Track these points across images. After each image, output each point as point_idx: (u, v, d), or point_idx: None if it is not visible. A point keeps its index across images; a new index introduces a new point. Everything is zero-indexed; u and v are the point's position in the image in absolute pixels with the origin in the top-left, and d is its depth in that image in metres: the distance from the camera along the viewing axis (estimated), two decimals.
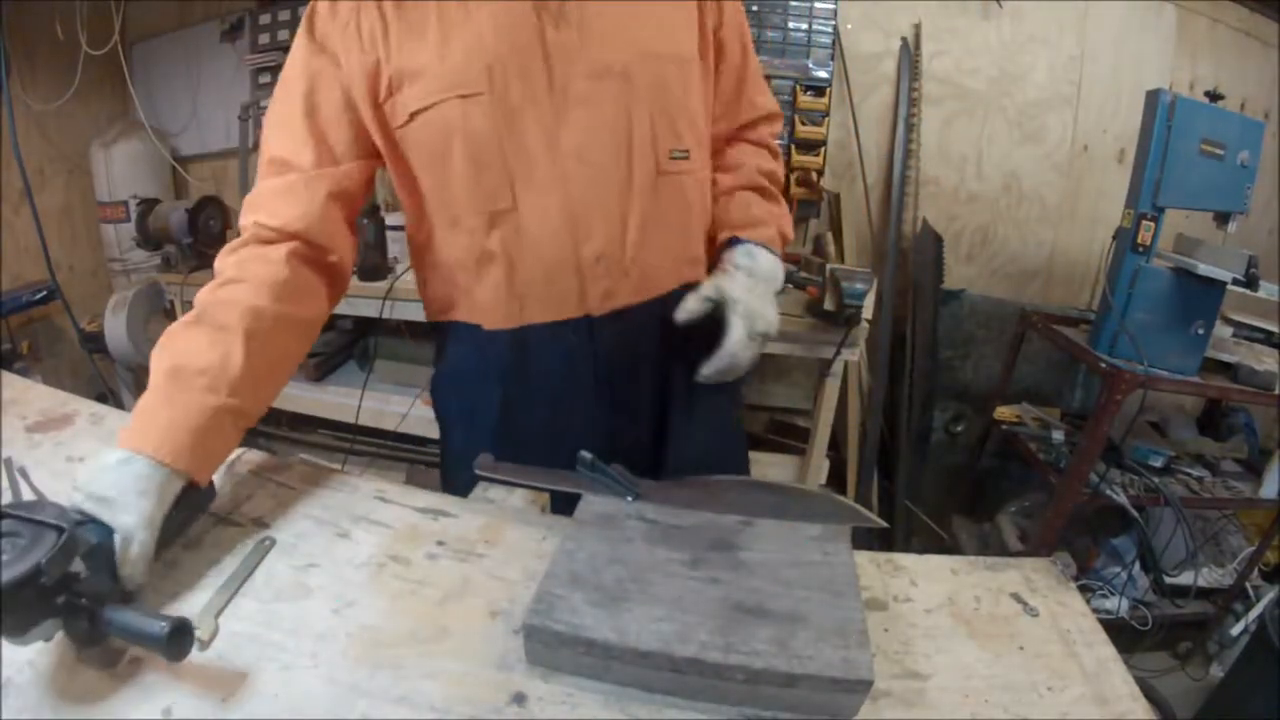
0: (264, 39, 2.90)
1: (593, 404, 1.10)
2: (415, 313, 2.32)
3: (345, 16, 0.95)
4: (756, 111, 1.19)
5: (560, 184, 0.97)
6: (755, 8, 2.42)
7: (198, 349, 0.89)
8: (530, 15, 0.93)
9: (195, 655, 0.66)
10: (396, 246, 2.56)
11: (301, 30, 0.98)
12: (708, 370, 1.04)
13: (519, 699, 0.65)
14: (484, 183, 0.98)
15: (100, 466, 0.76)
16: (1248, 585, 2.24)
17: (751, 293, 1.05)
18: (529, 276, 1.03)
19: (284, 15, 2.83)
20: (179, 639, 0.61)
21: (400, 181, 1.06)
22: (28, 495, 0.88)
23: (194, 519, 0.85)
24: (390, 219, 2.55)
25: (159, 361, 0.88)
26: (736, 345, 1.02)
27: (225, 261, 0.97)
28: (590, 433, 1.06)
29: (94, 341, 2.71)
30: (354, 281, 2.33)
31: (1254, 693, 1.71)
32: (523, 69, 0.93)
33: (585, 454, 0.88)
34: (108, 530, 0.71)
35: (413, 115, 0.95)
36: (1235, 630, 2.20)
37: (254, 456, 1.03)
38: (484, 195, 0.98)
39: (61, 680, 0.64)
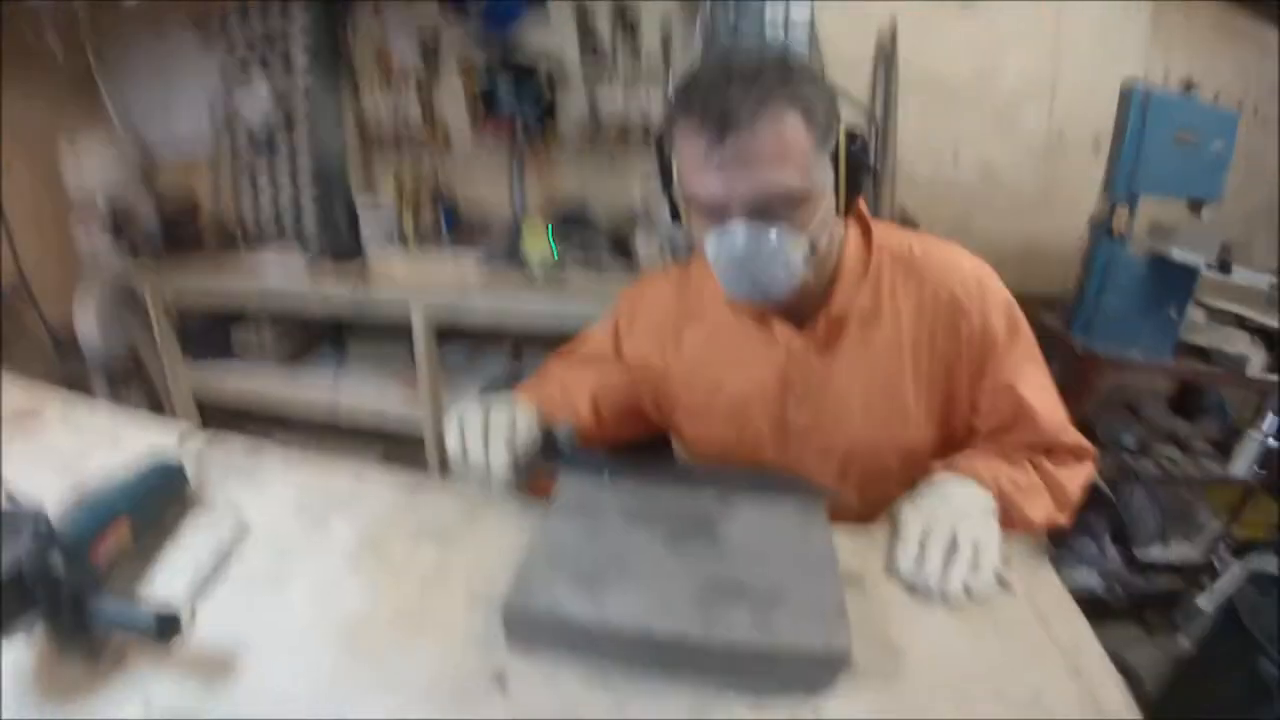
0: (236, 32, 2.84)
1: None
2: (390, 301, 2.31)
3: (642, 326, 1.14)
4: (1038, 449, 1.02)
5: None
6: (731, 4, 2.41)
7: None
8: (778, 392, 1.03)
9: (174, 645, 0.65)
10: (369, 230, 2.54)
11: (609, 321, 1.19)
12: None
13: (500, 679, 0.65)
14: None
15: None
16: (1215, 560, 2.29)
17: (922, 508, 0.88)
18: None
19: (256, 8, 2.78)
20: (168, 625, 0.61)
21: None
22: None
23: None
24: (364, 210, 2.54)
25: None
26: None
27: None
28: None
29: (63, 336, 2.67)
30: (328, 272, 2.32)
31: (1220, 662, 1.75)
32: (768, 438, 1.05)
33: (562, 433, 0.88)
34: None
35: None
36: (1203, 602, 2.24)
37: (228, 442, 1.02)
38: None
39: (40, 677, 0.63)
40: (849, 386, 1.00)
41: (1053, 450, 1.00)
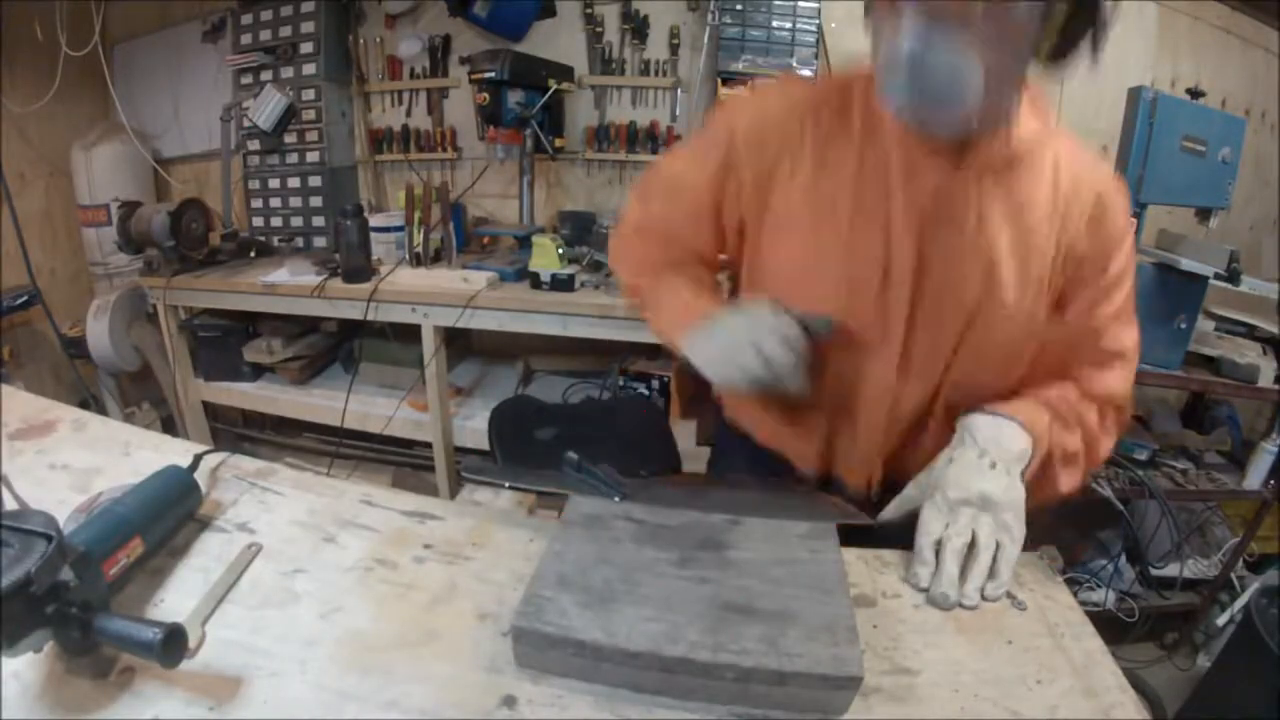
0: (246, 39, 2.87)
1: None
2: (399, 314, 2.31)
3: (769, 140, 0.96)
4: (1102, 387, 0.98)
5: (897, 386, 0.97)
6: (739, 6, 2.43)
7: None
8: (878, 269, 0.91)
9: (183, 663, 0.65)
10: (381, 248, 2.55)
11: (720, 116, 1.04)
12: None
13: (509, 702, 0.65)
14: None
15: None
16: (1233, 576, 2.27)
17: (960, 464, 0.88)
18: (828, 432, 1.04)
19: (266, 15, 2.81)
20: (173, 644, 0.60)
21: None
22: (10, 504, 0.87)
23: None
24: (374, 220, 2.54)
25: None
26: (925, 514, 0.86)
27: None
28: None
29: (76, 346, 2.68)
30: (338, 283, 2.32)
31: (1240, 682, 1.72)
32: (905, 275, 0.91)
33: (572, 455, 0.88)
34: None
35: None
36: (1221, 620, 2.22)
37: (239, 461, 1.02)
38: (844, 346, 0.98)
39: (48, 692, 0.64)
40: (996, 232, 0.89)
41: (1103, 408, 0.98)
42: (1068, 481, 0.96)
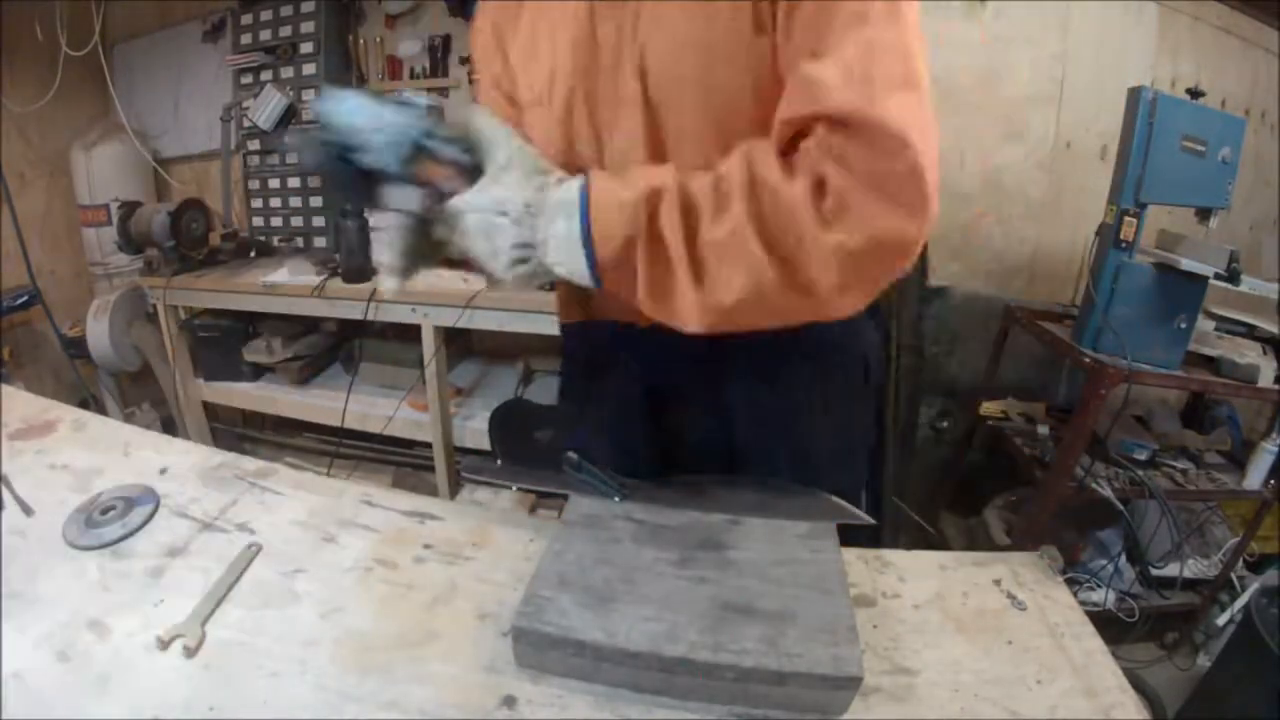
0: (245, 39, 2.87)
1: (643, 408, 0.99)
2: (399, 314, 2.31)
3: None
4: (801, 105, 0.65)
5: None
6: None
7: None
8: (586, 13, 0.81)
9: (183, 664, 0.66)
10: (377, 242, 2.55)
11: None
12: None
13: (509, 702, 0.65)
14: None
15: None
16: (1233, 576, 2.27)
17: (493, 195, 0.70)
18: None
19: (266, 15, 2.81)
20: None
21: None
22: (10, 504, 0.87)
23: None
24: (375, 220, 2.54)
25: None
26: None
27: None
28: (647, 438, 1.00)
29: (76, 347, 2.68)
30: (338, 283, 2.32)
31: (1241, 682, 1.72)
32: (579, 72, 0.83)
33: (571, 455, 0.88)
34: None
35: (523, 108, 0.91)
36: (1221, 620, 2.22)
37: (239, 461, 1.02)
38: None
39: (47, 691, 0.64)
40: None
41: (841, 154, 0.62)
42: (719, 288, 0.67)
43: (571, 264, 0.70)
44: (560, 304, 1.05)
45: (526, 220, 0.69)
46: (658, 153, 0.80)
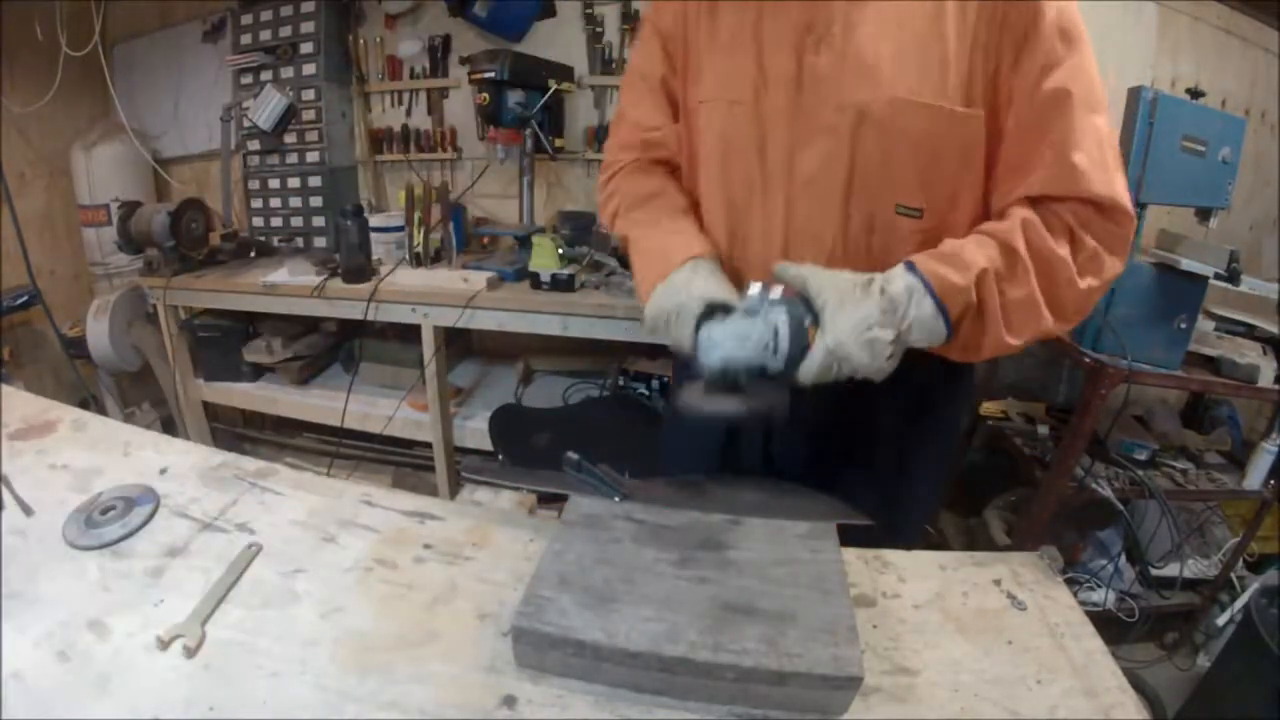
0: (246, 39, 2.87)
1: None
2: (399, 314, 2.31)
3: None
4: (1059, 187, 0.87)
5: (787, 207, 0.98)
6: None
7: (660, 210, 1.12)
8: (794, 35, 0.93)
9: (183, 664, 0.66)
10: (381, 249, 2.55)
11: (645, 20, 1.16)
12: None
13: (509, 701, 0.65)
14: (732, 181, 1.03)
15: (681, 281, 0.97)
16: (1233, 576, 2.27)
17: (851, 318, 0.84)
18: (737, 269, 1.06)
19: (266, 15, 2.81)
20: None
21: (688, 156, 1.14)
22: (10, 504, 0.87)
23: None
24: (374, 220, 2.54)
25: (639, 231, 1.11)
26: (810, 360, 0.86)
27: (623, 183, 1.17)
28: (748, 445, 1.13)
29: (76, 346, 2.68)
30: (338, 283, 2.32)
31: (1241, 682, 1.72)
32: (781, 87, 0.95)
33: (572, 455, 0.88)
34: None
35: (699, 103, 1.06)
36: (1221, 620, 2.22)
37: (239, 461, 1.02)
38: (729, 190, 1.04)
39: (47, 691, 0.64)
40: (879, 29, 0.89)
41: (1089, 222, 0.88)
42: (1020, 333, 0.89)
43: (933, 335, 0.87)
44: None
45: (890, 321, 0.84)
46: (847, 181, 0.94)
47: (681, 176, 1.16)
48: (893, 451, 1.09)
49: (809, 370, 0.85)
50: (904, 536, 1.00)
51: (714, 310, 0.91)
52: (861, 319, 0.83)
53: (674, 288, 0.96)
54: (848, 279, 0.87)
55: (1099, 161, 0.86)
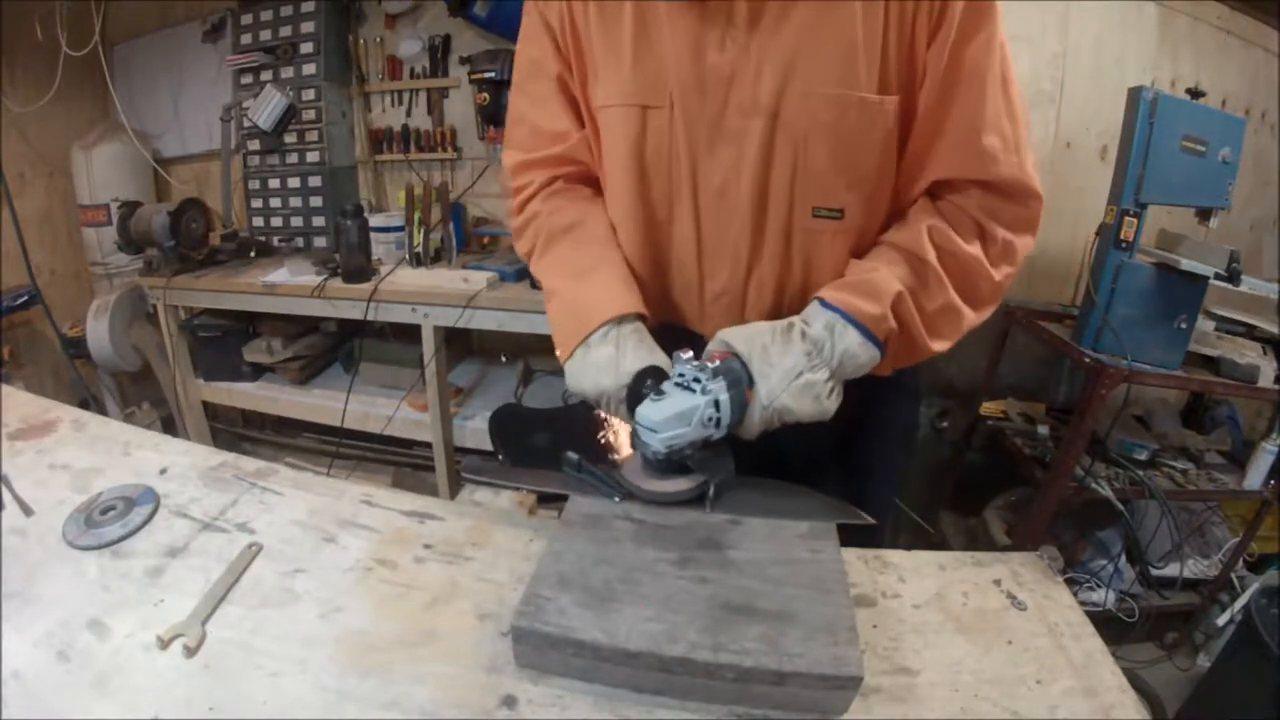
0: (246, 39, 2.87)
1: None
2: (399, 314, 2.31)
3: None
4: (966, 169, 0.86)
5: (700, 216, 0.95)
6: None
7: (578, 248, 1.00)
8: (699, 31, 0.85)
9: (183, 663, 0.66)
10: (381, 248, 2.55)
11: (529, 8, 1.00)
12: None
13: (509, 702, 0.65)
14: (649, 193, 0.97)
15: (603, 358, 0.89)
16: (1233, 576, 2.27)
17: (780, 370, 0.84)
18: (661, 286, 1.03)
19: (266, 15, 2.81)
20: None
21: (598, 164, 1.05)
22: (10, 504, 0.87)
23: None
24: (374, 220, 2.54)
25: (554, 279, 1.00)
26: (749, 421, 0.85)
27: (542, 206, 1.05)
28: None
29: (76, 346, 2.68)
30: (338, 283, 2.32)
31: (1241, 682, 1.72)
32: (692, 90, 0.88)
33: (571, 455, 0.88)
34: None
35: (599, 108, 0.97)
36: (1221, 620, 2.22)
37: (239, 461, 1.02)
38: (646, 205, 0.98)
39: (47, 691, 0.64)
40: (783, 18, 0.82)
41: (997, 210, 0.88)
42: (947, 337, 0.91)
43: (866, 362, 0.87)
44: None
45: (819, 363, 0.84)
46: (758, 189, 0.90)
47: (601, 190, 1.07)
48: (844, 454, 1.06)
49: (750, 430, 0.85)
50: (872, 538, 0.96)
51: (643, 378, 0.86)
52: (789, 369, 0.83)
53: (597, 364, 0.89)
54: (764, 330, 0.86)
55: (1010, 142, 0.85)
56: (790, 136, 0.86)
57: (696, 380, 0.82)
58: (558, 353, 0.97)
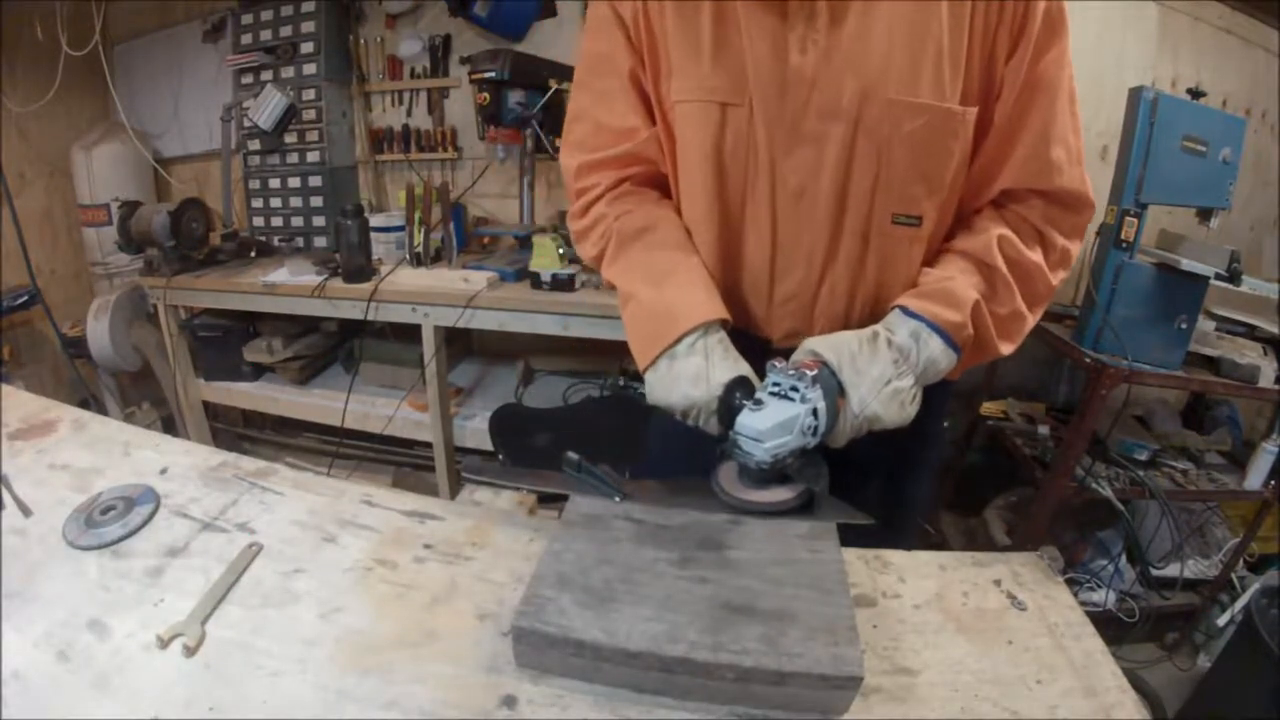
0: (246, 39, 2.87)
1: None
2: (399, 314, 2.31)
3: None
4: (1033, 180, 0.90)
5: (776, 217, 0.94)
6: None
7: (654, 252, 0.99)
8: (779, 31, 0.85)
9: (183, 663, 0.66)
10: (381, 248, 2.54)
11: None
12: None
13: (509, 702, 0.65)
14: (725, 191, 0.96)
15: (692, 369, 0.89)
16: (1233, 576, 2.27)
17: (869, 378, 0.85)
18: (730, 288, 1.01)
19: (266, 15, 2.81)
20: None
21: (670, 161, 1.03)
22: (10, 504, 0.87)
23: None
24: (374, 220, 2.54)
25: (630, 283, 0.99)
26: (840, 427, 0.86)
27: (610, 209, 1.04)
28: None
29: (76, 346, 2.68)
30: (338, 283, 2.32)
31: (1241, 682, 1.72)
32: (771, 91, 0.87)
33: (572, 455, 0.88)
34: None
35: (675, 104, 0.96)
36: (1221, 620, 2.22)
37: (239, 461, 1.02)
38: (723, 203, 0.97)
39: (47, 691, 0.64)
40: (868, 23, 0.82)
41: (1056, 219, 0.92)
42: (1014, 340, 0.96)
43: (947, 365, 0.89)
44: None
45: (905, 370, 0.87)
46: (839, 193, 0.90)
47: (671, 191, 1.06)
48: (884, 462, 1.05)
49: (840, 437, 0.86)
50: (905, 537, 1.01)
51: (733, 389, 0.87)
52: (878, 377, 0.85)
53: (686, 376, 0.89)
54: (850, 339, 0.87)
55: (1074, 154, 0.89)
56: (873, 143, 0.86)
57: (794, 389, 0.82)
58: (637, 361, 0.97)
